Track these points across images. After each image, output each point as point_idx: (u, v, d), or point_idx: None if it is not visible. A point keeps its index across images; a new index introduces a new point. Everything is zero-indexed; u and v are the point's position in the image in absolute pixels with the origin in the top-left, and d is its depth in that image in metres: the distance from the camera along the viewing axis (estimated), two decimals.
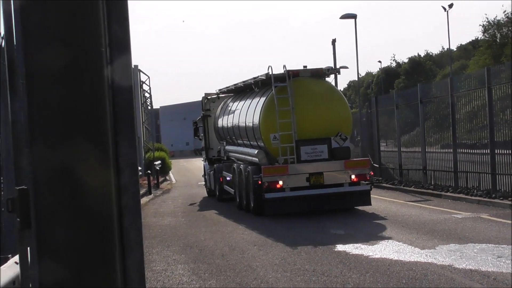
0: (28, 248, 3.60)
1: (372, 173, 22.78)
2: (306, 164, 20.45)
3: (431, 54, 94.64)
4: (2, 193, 9.01)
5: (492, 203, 20.92)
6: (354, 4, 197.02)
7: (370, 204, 20.99)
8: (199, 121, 31.42)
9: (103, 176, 2.61)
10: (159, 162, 46.61)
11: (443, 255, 13.22)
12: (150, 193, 33.47)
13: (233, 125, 24.89)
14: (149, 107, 57.03)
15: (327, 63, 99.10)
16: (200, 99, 30.65)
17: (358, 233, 16.69)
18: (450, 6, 63.39)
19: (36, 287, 2.66)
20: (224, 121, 26.71)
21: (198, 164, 62.82)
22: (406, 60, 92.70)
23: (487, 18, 65.60)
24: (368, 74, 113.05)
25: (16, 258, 6.89)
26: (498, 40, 63.49)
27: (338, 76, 22.35)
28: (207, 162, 30.40)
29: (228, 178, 25.46)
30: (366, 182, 20.98)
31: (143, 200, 29.14)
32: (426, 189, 26.18)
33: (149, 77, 52.16)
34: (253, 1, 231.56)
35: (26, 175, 2.94)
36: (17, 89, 3.98)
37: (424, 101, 27.76)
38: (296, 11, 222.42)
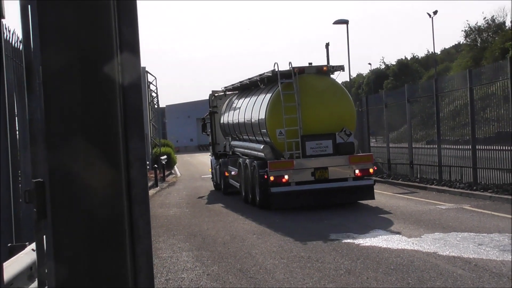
0: (44, 236, 3.59)
1: (375, 168, 21.98)
2: (311, 159, 19.80)
3: (417, 57, 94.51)
4: (20, 185, 9.01)
5: (473, 195, 20.93)
6: (346, 10, 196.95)
7: (374, 198, 20.24)
8: (207, 117, 30.81)
9: (114, 169, 2.61)
10: (165, 157, 46.61)
11: (428, 243, 13.23)
12: (157, 186, 33.45)
13: (239, 120, 24.26)
14: (156, 106, 57.07)
15: None
16: (203, 98, 30.40)
17: (350, 223, 16.69)
18: (435, 13, 63.45)
19: (51, 272, 2.65)
20: (230, 117, 26.09)
21: (201, 159, 62.90)
22: (394, 62, 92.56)
23: (469, 24, 65.68)
24: (359, 75, 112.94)
25: (33, 245, 6.89)
26: (478, 44, 63.51)
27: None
28: (213, 157, 29.73)
29: (233, 173, 24.92)
30: (370, 177, 20.28)
31: (151, 192, 29.10)
32: (413, 182, 26.18)
33: (156, 78, 52.25)
34: (253, 3, 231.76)
35: (42, 169, 2.93)
36: (34, 89, 3.97)
37: (411, 101, 27.76)
38: (292, 17, 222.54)
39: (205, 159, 60.80)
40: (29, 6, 3.76)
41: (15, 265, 6.77)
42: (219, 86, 30.44)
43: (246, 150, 23.63)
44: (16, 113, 9.10)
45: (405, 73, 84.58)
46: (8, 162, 8.15)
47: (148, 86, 50.14)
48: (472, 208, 18.37)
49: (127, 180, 2.67)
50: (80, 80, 2.58)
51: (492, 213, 17.12)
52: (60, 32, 2.57)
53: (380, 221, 16.86)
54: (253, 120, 22.14)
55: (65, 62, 2.56)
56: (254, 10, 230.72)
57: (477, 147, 22.45)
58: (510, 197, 19.10)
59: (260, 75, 22.50)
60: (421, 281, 10.14)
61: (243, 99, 24.82)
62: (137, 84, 2.78)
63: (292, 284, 10.46)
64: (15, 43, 9.46)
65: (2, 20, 6.60)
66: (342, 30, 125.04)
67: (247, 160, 22.18)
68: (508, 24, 63.82)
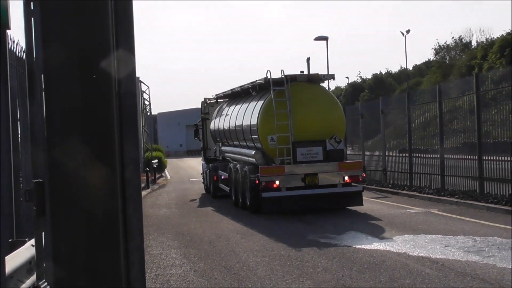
0: (43, 232, 3.57)
1: (364, 175, 20.99)
2: (302, 165, 18.96)
3: (391, 72, 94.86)
4: (21, 185, 8.96)
5: (441, 200, 21.01)
6: (326, 27, 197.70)
7: (362, 205, 19.36)
8: (199, 123, 30.12)
9: (110, 170, 2.60)
10: (156, 160, 46.39)
11: (399, 244, 13.26)
12: (148, 188, 33.31)
13: (230, 127, 23.44)
14: (148, 113, 56.87)
15: None
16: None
17: (327, 225, 16.69)
18: (408, 31, 63.82)
19: (49, 266, 2.63)
20: (221, 123, 25.29)
21: (190, 163, 62.76)
22: (370, 77, 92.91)
23: (438, 43, 66.40)
24: (337, 88, 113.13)
25: (32, 241, 6.85)
26: (447, 61, 64.00)
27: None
28: (205, 162, 28.97)
29: (222, 177, 24.18)
30: (358, 184, 19.45)
31: (142, 194, 28.91)
32: (386, 188, 26.23)
33: (148, 87, 52.07)
34: (240, 19, 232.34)
35: (42, 170, 2.92)
36: (36, 95, 3.95)
37: (385, 112, 27.85)
38: (277, 34, 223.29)
39: (193, 163, 60.75)
40: (32, 18, 3.75)
41: (15, 259, 6.74)
42: (207, 95, 29.61)
43: (236, 156, 22.88)
44: (18, 117, 9.07)
45: (379, 87, 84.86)
46: (10, 163, 8.11)
47: (142, 95, 50.02)
48: (440, 212, 18.44)
49: (121, 181, 2.67)
50: (79, 87, 2.58)
51: (458, 217, 17.20)
52: (61, 35, 2.57)
53: (355, 223, 16.88)
54: (244, 126, 21.34)
55: (66, 64, 2.56)
56: (240, 26, 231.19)
57: (445, 156, 22.58)
58: (474, 202, 19.21)
59: (252, 82, 21.65)
60: (392, 279, 10.16)
61: (234, 106, 24.05)
62: (132, 91, 2.78)
63: (273, 281, 10.45)
64: (18, 52, 9.47)
65: (8, 31, 6.57)
66: (322, 46, 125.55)
67: (238, 165, 21.42)
68: (474, 43, 64.34)
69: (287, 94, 19.37)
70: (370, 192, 26.17)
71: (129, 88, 2.74)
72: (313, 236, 14.87)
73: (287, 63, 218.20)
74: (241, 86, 23.26)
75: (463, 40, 65.45)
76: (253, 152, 20.08)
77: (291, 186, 18.83)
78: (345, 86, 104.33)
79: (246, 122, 21.11)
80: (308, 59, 43.26)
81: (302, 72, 20.67)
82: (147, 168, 35.63)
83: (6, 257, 5.97)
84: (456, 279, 9.98)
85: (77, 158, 2.57)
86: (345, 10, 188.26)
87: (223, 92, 26.62)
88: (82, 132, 2.57)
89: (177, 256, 13.20)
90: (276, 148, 19.12)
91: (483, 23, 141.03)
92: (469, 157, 20.90)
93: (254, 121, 20.16)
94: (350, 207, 19.92)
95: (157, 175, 42.30)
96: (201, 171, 30.92)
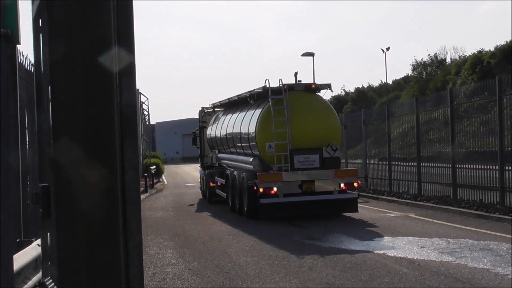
0: (48, 233, 3.57)
1: (359, 182, 20.47)
2: (299, 172, 18.22)
3: (372, 86, 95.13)
4: (28, 188, 8.94)
5: (417, 205, 21.05)
6: (312, 44, 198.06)
7: (357, 211, 18.58)
8: (197, 131, 29.46)
9: (111, 175, 2.61)
10: (154, 166, 46.27)
11: (379, 245, 13.28)
12: (147, 192, 33.22)
13: (227, 134, 22.68)
14: (147, 123, 56.79)
15: None
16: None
17: (313, 227, 16.69)
18: (388, 49, 63.85)
19: (54, 264, 2.63)
20: (218, 131, 24.57)
21: (186, 169, 62.58)
22: (353, 90, 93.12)
23: (416, 60, 66.48)
24: None
25: (39, 241, 6.82)
26: (424, 76, 64.23)
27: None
28: (202, 168, 28.23)
29: (219, 183, 23.52)
30: (354, 191, 18.78)
31: (141, 197, 28.80)
32: (367, 193, 26.23)
33: (148, 99, 52.03)
34: (233, 33, 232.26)
35: (48, 174, 2.92)
36: (43, 105, 3.95)
37: (366, 123, 27.93)
38: (265, 49, 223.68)
39: (189, 169, 60.62)
40: (40, 34, 3.75)
41: (23, 257, 6.72)
42: (203, 105, 29.02)
43: (233, 163, 22.12)
44: (26, 126, 9.06)
45: (362, 99, 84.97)
46: (18, 168, 8.09)
47: (141, 106, 49.97)
48: (417, 216, 18.48)
49: (122, 185, 2.68)
50: (83, 101, 2.59)
51: (433, 220, 17.24)
52: (66, 58, 2.58)
53: (338, 226, 16.87)
54: (242, 134, 20.59)
55: (71, 78, 2.57)
56: (234, 42, 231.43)
57: (421, 164, 22.67)
58: (448, 207, 19.27)
59: (250, 91, 20.83)
60: (372, 277, 10.17)
61: (230, 114, 23.31)
62: (133, 103, 2.80)
63: (261, 279, 10.44)
64: (27, 65, 9.46)
65: (18, 46, 6.57)
66: (309, 61, 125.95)
67: (235, 171, 20.69)
68: (448, 60, 64.67)
69: (285, 103, 18.74)
70: None
71: (129, 100, 2.75)
72: (300, 237, 14.87)
73: (277, 76, 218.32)
74: (238, 95, 22.53)
75: (438, 57, 65.70)
76: (251, 159, 19.42)
77: (289, 193, 18.14)
78: (330, 98, 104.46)
79: (244, 130, 20.44)
80: (295, 74, 43.18)
81: (299, 81, 20.04)
82: (145, 174, 35.53)
83: (14, 256, 5.96)
84: (431, 278, 10.00)
85: (80, 164, 2.57)
86: (330, 29, 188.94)
87: (220, 101, 25.93)
88: (86, 140, 2.58)
89: (173, 255, 13.17)
90: (274, 155, 18.46)
91: (457, 42, 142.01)
92: (444, 165, 20.99)
93: (252, 129, 19.48)
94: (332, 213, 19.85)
95: (155, 180, 42.18)
96: (199, 177, 30.29)
